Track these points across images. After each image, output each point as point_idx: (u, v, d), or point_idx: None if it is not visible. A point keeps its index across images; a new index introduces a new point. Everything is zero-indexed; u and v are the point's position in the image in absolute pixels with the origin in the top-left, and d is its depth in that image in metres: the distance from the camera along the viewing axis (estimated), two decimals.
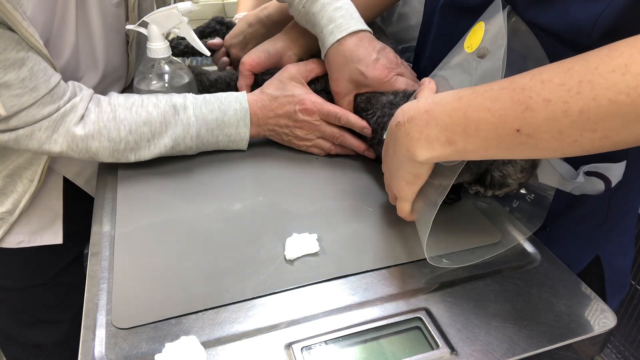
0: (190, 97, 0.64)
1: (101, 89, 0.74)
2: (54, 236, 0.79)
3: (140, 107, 0.62)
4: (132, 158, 0.63)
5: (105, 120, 0.60)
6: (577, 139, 0.37)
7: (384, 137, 0.52)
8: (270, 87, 0.67)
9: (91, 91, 0.63)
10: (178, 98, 0.63)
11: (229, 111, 0.64)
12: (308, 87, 0.67)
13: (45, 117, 0.57)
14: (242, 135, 0.66)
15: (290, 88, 0.65)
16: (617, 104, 0.34)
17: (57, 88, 0.58)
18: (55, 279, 0.83)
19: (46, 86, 0.56)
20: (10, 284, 0.80)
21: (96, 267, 0.50)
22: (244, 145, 0.67)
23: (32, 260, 0.79)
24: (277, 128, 0.67)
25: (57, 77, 0.58)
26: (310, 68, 0.68)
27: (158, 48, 0.68)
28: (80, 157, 0.61)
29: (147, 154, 0.63)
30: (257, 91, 0.67)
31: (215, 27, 0.89)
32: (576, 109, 0.36)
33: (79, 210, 0.79)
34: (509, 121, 0.39)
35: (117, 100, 0.62)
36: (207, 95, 0.65)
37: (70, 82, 0.61)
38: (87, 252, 0.95)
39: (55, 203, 0.77)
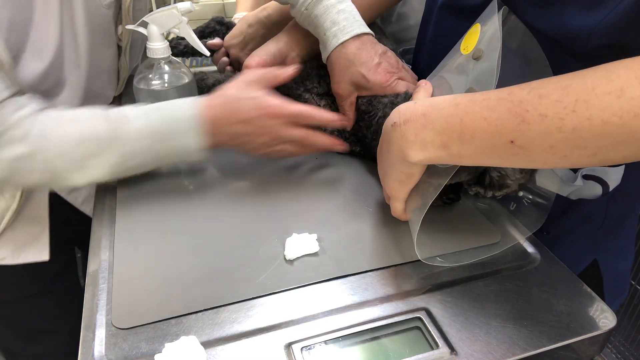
0: (129, 109, 0.58)
1: (89, 92, 0.72)
2: (39, 253, 0.75)
3: (75, 123, 0.56)
4: (75, 179, 0.56)
5: (48, 137, 0.54)
6: (567, 154, 0.38)
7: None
8: (227, 90, 0.60)
9: (36, 106, 0.56)
10: (126, 110, 0.58)
11: (176, 119, 0.57)
12: (269, 89, 0.61)
13: None
14: (193, 145, 0.58)
15: (250, 91, 0.59)
16: (609, 125, 0.35)
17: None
18: (48, 287, 0.81)
19: None
20: (3, 296, 0.79)
21: (96, 268, 0.50)
22: (199, 155, 0.59)
23: (20, 272, 0.76)
24: (237, 136, 0.59)
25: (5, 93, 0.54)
26: (273, 76, 0.61)
27: (158, 48, 0.68)
28: (22, 182, 0.56)
29: (93, 173, 0.56)
30: (214, 95, 0.60)
31: (215, 27, 0.89)
32: (570, 127, 0.37)
33: (66, 217, 0.77)
34: (504, 132, 0.40)
35: (61, 114, 0.56)
36: (150, 106, 0.59)
37: (15, 99, 0.55)
38: (80, 256, 0.94)
39: (41, 216, 0.73)
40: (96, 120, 0.56)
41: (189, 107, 0.58)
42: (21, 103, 0.55)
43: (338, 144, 0.63)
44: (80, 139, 0.55)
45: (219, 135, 0.59)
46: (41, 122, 0.55)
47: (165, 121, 0.57)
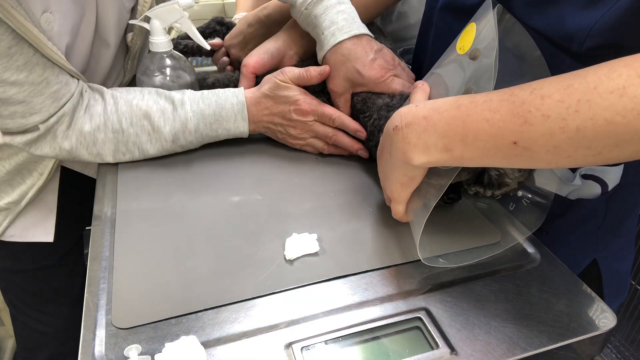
0: (188, 92, 0.65)
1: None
2: (45, 234, 0.81)
3: (141, 100, 0.64)
4: (136, 153, 0.65)
5: (109, 113, 0.63)
6: (571, 154, 0.38)
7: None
8: (265, 85, 0.67)
9: (99, 87, 0.66)
10: (176, 94, 0.65)
11: (227, 105, 0.65)
12: (303, 89, 0.67)
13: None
14: (240, 128, 0.67)
15: (285, 89, 0.66)
16: (613, 124, 0.35)
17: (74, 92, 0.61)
18: (58, 262, 0.86)
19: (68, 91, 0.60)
20: (17, 266, 0.83)
21: (96, 267, 0.50)
22: (245, 135, 0.69)
23: (35, 247, 0.81)
24: (272, 125, 0.68)
25: (75, 83, 0.62)
26: (309, 77, 0.66)
27: (160, 42, 0.69)
28: (88, 153, 0.63)
29: (149, 148, 0.65)
30: (254, 88, 0.68)
31: (215, 27, 0.89)
32: (573, 127, 0.37)
33: (74, 199, 0.82)
34: (507, 133, 0.40)
35: (119, 93, 0.64)
36: (205, 91, 0.66)
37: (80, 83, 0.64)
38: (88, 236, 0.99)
39: (50, 200, 0.79)
40: (161, 100, 0.64)
41: (235, 96, 0.66)
42: (84, 85, 0.64)
43: (362, 149, 0.67)
44: (139, 115, 0.63)
45: (256, 122, 0.67)
46: (112, 97, 0.64)
47: (216, 107, 0.65)
